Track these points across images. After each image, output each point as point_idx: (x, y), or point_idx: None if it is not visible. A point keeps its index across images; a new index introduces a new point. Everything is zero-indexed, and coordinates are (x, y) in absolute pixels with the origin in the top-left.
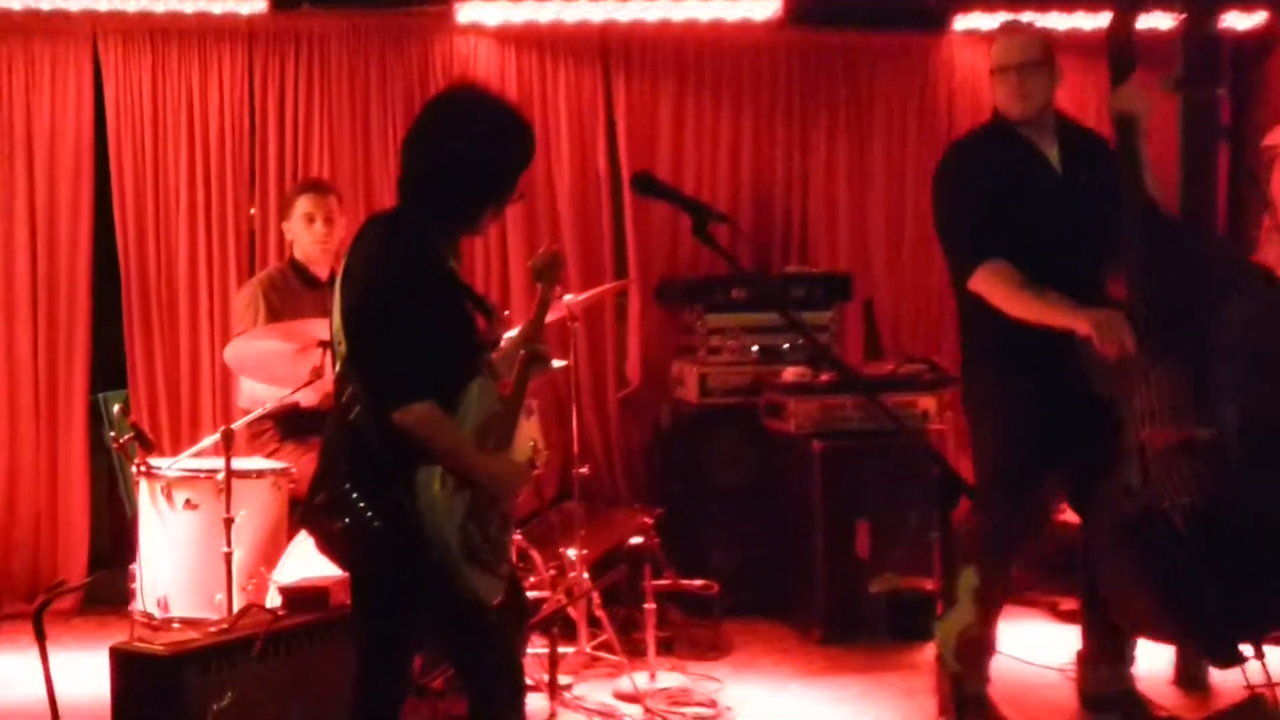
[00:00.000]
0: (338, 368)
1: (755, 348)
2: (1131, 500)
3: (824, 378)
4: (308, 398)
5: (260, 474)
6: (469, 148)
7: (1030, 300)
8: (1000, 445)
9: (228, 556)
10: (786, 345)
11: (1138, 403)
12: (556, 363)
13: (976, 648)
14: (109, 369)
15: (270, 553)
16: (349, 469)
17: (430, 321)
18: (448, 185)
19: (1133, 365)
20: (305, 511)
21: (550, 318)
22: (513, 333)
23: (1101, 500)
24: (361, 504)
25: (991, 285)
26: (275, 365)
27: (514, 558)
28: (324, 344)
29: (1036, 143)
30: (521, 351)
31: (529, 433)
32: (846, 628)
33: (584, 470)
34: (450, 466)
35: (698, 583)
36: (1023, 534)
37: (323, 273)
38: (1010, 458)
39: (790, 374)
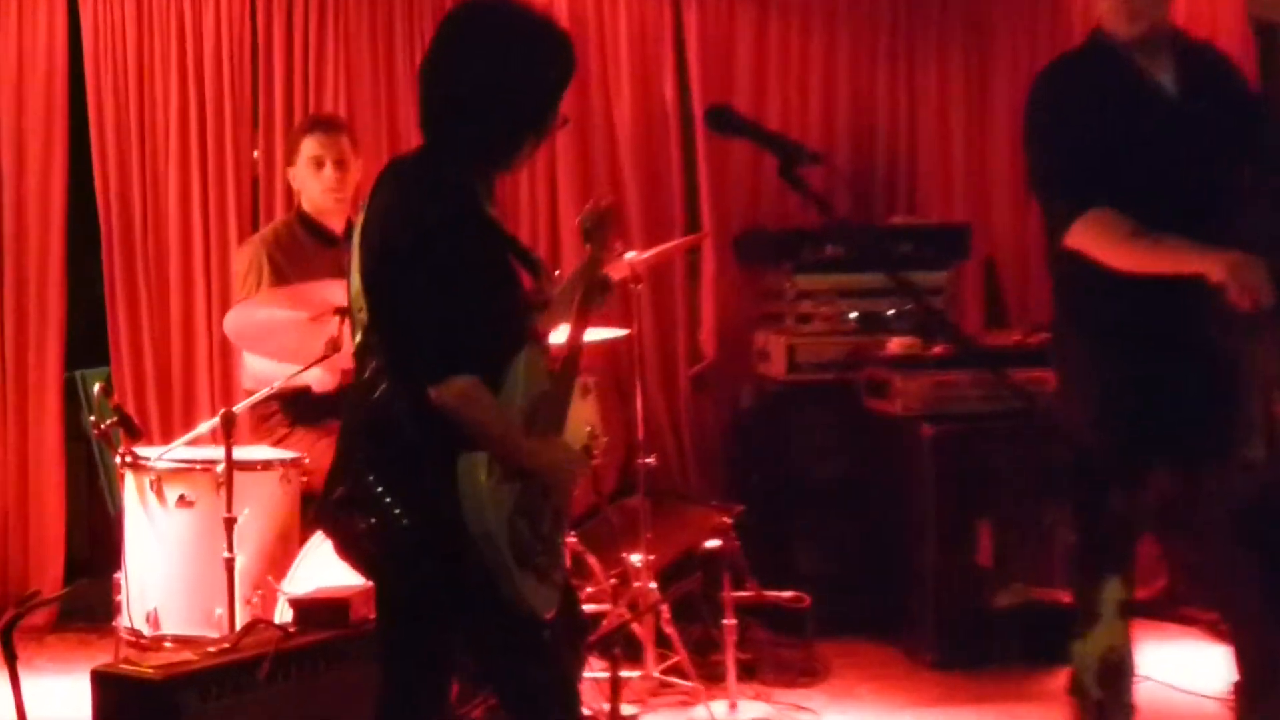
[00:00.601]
0: (358, 338)
1: (854, 314)
2: (1253, 478)
3: (936, 350)
4: (322, 377)
5: (267, 465)
6: (498, 69)
7: (1145, 248)
8: (1101, 431)
9: (229, 563)
10: (891, 311)
11: (1270, 366)
12: (616, 332)
13: (1121, 672)
14: (88, 342)
15: (279, 558)
16: (373, 457)
17: (470, 279)
18: (476, 115)
19: (1269, 320)
20: (320, 509)
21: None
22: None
23: (1217, 483)
24: (389, 499)
25: (1094, 237)
26: (283, 337)
27: (568, 564)
28: (340, 311)
29: (1146, 66)
30: (576, 294)
31: (584, 415)
32: (965, 650)
33: (650, 460)
34: (496, 453)
35: (786, 594)
36: (1129, 535)
37: (337, 226)
38: (1112, 445)
39: (896, 345)
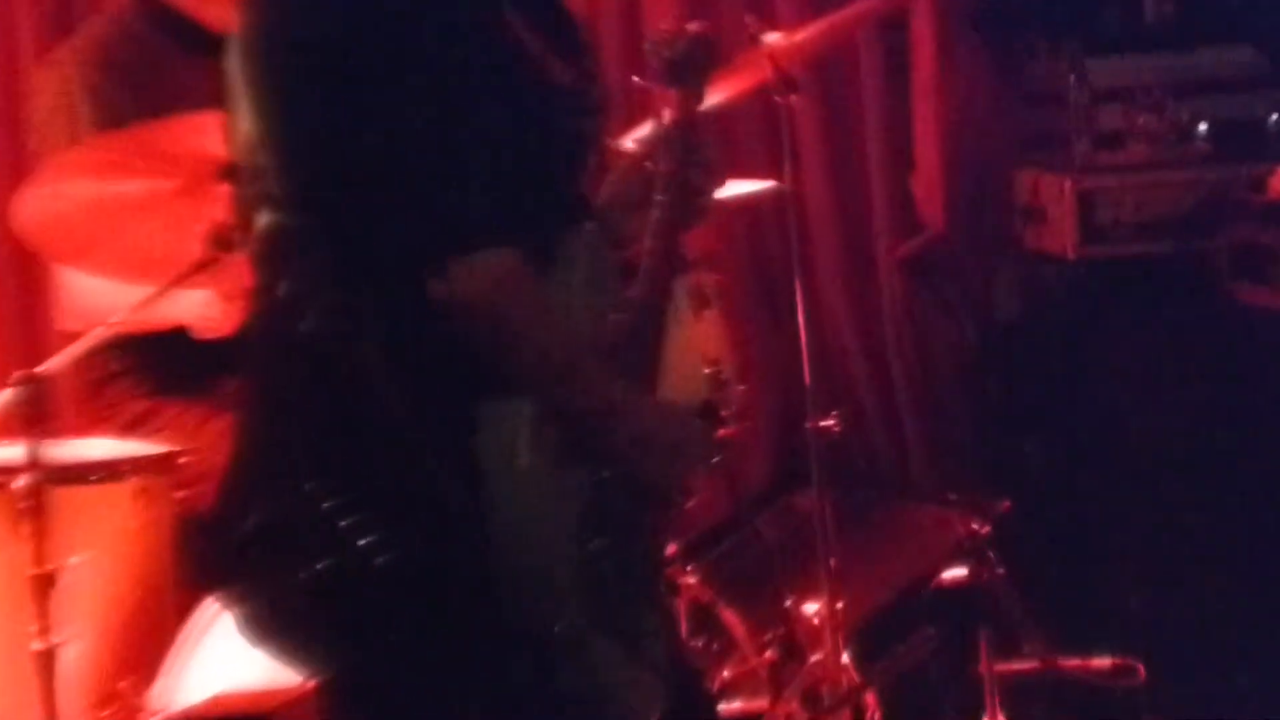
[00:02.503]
0: (260, 222)
1: (1203, 126)
2: None
3: None
4: (205, 306)
5: (111, 471)
6: None
7: None
8: None
9: (45, 657)
10: (1276, 116)
11: None
12: (754, 186)
13: None
14: None
15: (142, 644)
16: (312, 445)
17: (462, 86)
18: None
19: None
20: (218, 549)
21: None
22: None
23: None
24: (350, 520)
25: None
26: (129, 232)
27: (680, 619)
28: (227, 171)
29: None
30: (659, 197)
31: (699, 346)
32: None
33: (829, 423)
34: (551, 404)
35: (1100, 663)
36: None
37: (216, 15)
38: None
39: None
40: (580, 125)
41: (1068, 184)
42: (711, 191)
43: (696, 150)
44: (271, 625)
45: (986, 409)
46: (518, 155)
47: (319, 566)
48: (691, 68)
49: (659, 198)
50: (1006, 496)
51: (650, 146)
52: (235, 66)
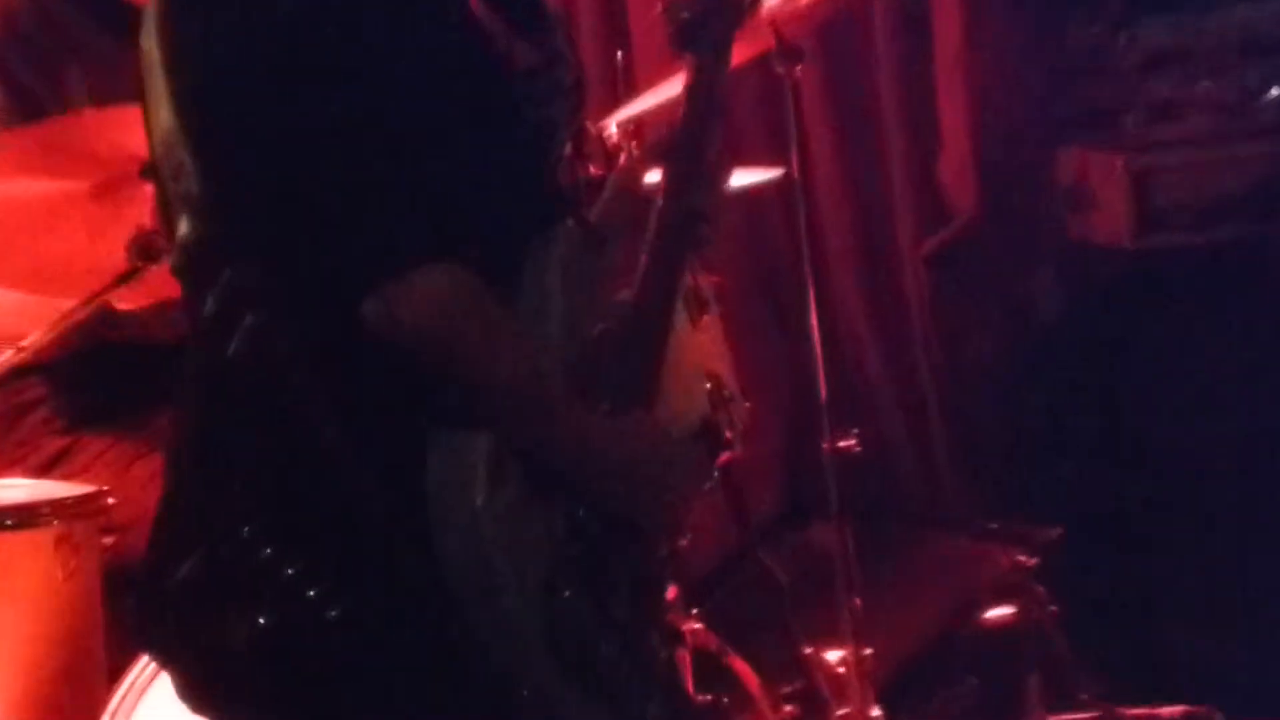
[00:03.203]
0: (181, 230)
1: (1274, 92)
2: None
3: None
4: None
5: (30, 515)
6: None
7: None
8: None
9: None
10: None
11: None
12: (759, 176)
13: None
14: None
15: (68, 709)
16: (249, 484)
17: (406, 71)
18: None
19: None
20: (148, 603)
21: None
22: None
23: None
24: (295, 568)
25: None
26: (37, 239)
27: (684, 673)
28: (147, 170)
29: None
30: (662, 198)
31: (698, 358)
32: None
33: (848, 443)
34: (512, 433)
35: (1170, 710)
36: None
37: None
38: None
39: None
40: (548, 112)
41: (1119, 163)
42: (713, 215)
43: (701, 155)
44: (212, 688)
45: (1029, 425)
46: (473, 151)
47: (263, 621)
48: (712, 29)
49: (655, 220)
50: (1055, 522)
51: (649, 154)
52: (150, 45)
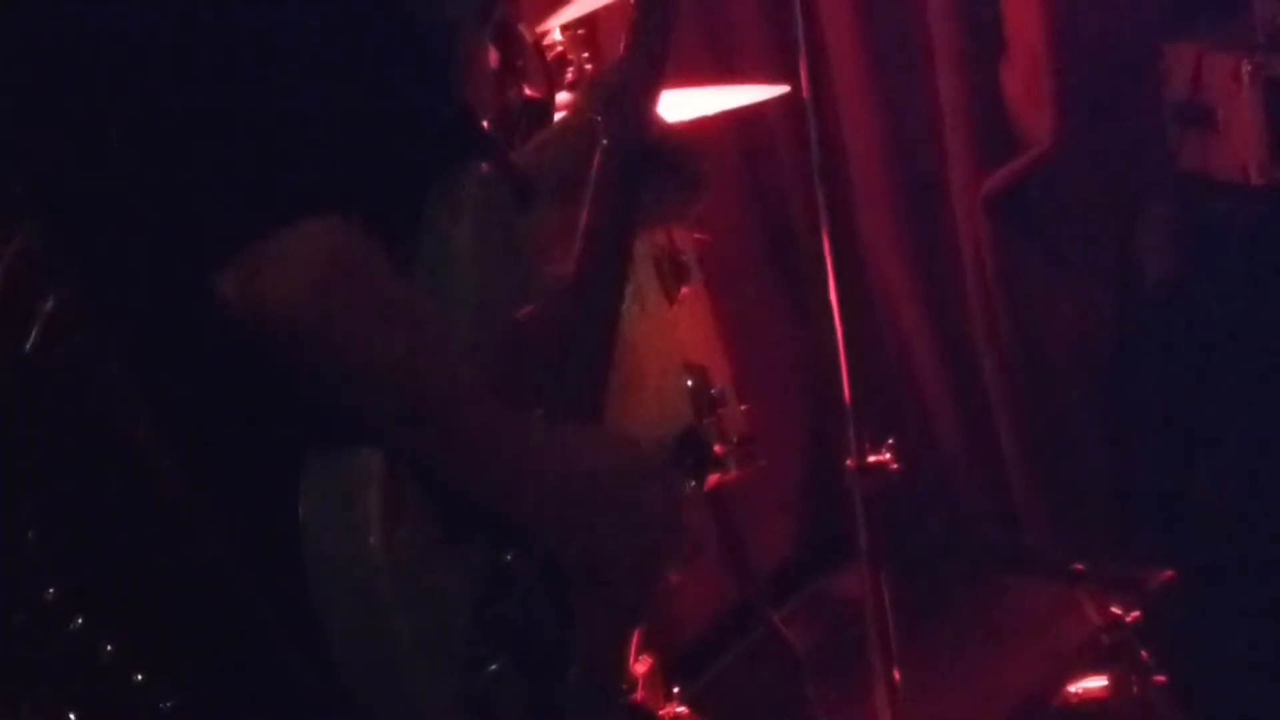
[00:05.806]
0: None
1: None
2: None
3: None
4: None
5: None
6: None
7: None
8: None
9: None
10: None
11: None
12: (760, 94)
13: None
14: None
15: None
16: (54, 532)
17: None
18: None
19: None
20: None
21: None
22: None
23: None
24: (114, 645)
25: None
26: None
27: None
28: None
29: None
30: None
31: (674, 342)
32: None
33: (882, 458)
34: (414, 450)
35: None
36: None
37: None
38: None
39: None
40: (451, 13)
41: (1247, 68)
42: (681, 156)
43: (657, 72)
44: None
45: (1131, 426)
46: (351, 69)
47: (72, 716)
48: None
49: (600, 159)
50: (1166, 563)
51: (600, 83)
52: None
